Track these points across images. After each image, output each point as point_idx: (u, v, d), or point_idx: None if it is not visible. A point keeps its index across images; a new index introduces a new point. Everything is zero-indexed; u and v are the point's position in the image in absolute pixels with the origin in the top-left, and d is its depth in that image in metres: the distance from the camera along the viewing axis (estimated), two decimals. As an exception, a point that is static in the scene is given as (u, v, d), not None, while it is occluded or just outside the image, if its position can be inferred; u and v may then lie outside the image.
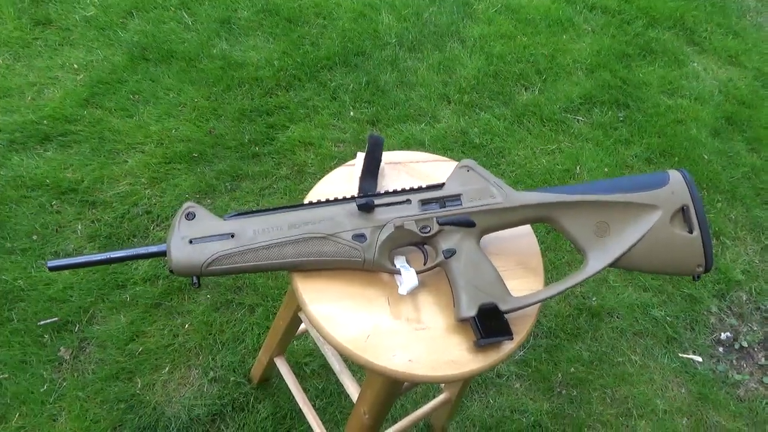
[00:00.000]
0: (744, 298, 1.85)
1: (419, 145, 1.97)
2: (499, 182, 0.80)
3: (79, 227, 1.63)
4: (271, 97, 2.01)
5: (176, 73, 2.00)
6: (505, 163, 2.00)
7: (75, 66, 1.96)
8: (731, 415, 1.60)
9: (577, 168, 2.01)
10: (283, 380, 1.44)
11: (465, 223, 0.77)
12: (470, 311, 0.75)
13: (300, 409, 1.42)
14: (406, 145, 1.97)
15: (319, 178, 1.82)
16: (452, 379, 0.75)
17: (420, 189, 0.80)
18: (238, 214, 0.78)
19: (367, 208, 0.77)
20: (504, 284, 0.78)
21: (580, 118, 2.18)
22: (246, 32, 2.16)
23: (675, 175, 0.80)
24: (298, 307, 1.03)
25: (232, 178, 1.80)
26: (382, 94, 2.09)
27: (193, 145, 1.83)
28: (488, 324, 0.75)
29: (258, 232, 0.76)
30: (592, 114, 2.20)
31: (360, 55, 2.18)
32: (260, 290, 1.59)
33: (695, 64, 2.46)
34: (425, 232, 0.78)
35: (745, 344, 1.76)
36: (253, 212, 0.78)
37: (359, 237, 0.76)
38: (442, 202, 0.79)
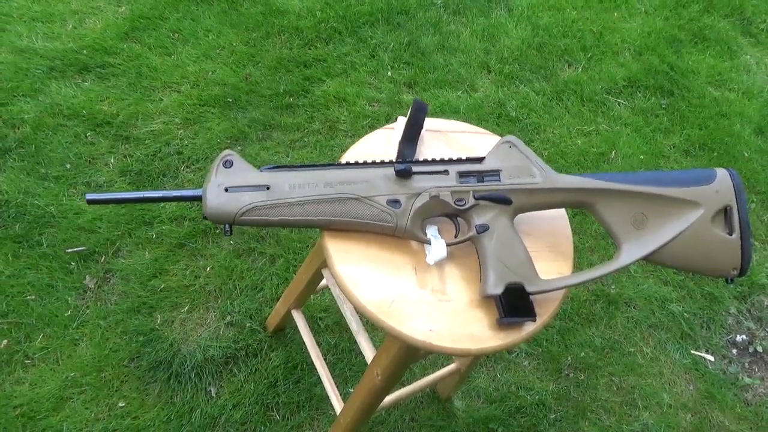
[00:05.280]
0: (765, 303, 1.83)
1: (454, 113, 1.94)
2: (540, 162, 0.79)
3: (112, 161, 1.65)
4: (309, 49, 1.98)
5: (217, 14, 1.98)
6: (539, 140, 1.96)
7: (119, -3, 1.95)
8: (736, 417, 1.60)
9: (612, 153, 1.97)
10: (297, 332, 1.48)
11: (501, 200, 0.76)
12: (497, 289, 0.75)
13: (311, 361, 1.45)
14: (441, 111, 1.94)
15: (350, 136, 1.84)
16: (470, 353, 0.75)
17: (459, 161, 0.79)
18: (275, 167, 0.78)
19: (404, 174, 0.76)
20: (533, 265, 0.77)
21: (622, 101, 2.12)
22: (290, -21, 2.12)
23: (722, 174, 0.78)
24: (323, 264, 1.04)
25: (264, 127, 1.79)
26: (422, 57, 2.05)
27: (228, 90, 1.83)
28: (513, 303, 0.75)
29: (293, 187, 0.76)
30: (635, 98, 2.14)
31: (403, 14, 2.13)
32: (282, 242, 1.60)
33: (748, 57, 2.36)
34: (460, 205, 0.77)
35: (759, 349, 1.75)
36: (290, 167, 0.78)
37: (394, 203, 0.76)
38: (480, 176, 0.78)
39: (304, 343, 1.45)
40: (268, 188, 0.76)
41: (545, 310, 0.79)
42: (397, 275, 0.78)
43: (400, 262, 0.80)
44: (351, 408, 1.05)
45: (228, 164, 0.77)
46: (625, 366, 1.63)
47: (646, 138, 2.03)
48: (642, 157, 1.99)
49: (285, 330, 1.49)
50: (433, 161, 0.79)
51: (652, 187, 0.77)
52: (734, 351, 1.74)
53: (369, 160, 0.79)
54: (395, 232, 0.77)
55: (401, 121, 0.89)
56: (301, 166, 0.78)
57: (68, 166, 1.62)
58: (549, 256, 0.83)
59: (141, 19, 1.90)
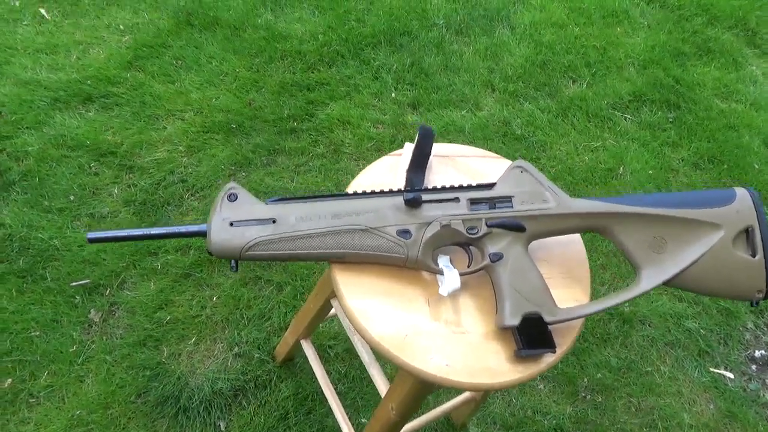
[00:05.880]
0: (783, 316, 1.79)
1: (459, 132, 1.93)
2: (553, 187, 0.76)
3: (116, 191, 1.64)
4: (312, 72, 1.98)
5: (220, 41, 1.98)
6: (546, 158, 1.94)
7: (121, 27, 1.95)
8: (760, 435, 1.55)
9: (621, 168, 1.95)
10: (307, 361, 1.44)
11: (515, 227, 0.74)
12: (513, 320, 0.72)
13: (322, 391, 1.42)
14: (446, 131, 1.93)
15: (355, 159, 1.82)
16: (488, 388, 0.72)
17: (470, 187, 0.77)
18: (281, 199, 0.76)
19: (414, 204, 0.74)
20: (550, 294, 0.74)
21: (628, 116, 2.11)
22: (292, 3, 2.13)
23: (741, 193, 0.75)
24: (331, 294, 1.02)
25: (269, 153, 1.78)
26: (426, 77, 2.04)
27: (232, 116, 1.82)
28: (531, 334, 0.72)
29: (300, 220, 0.74)
30: (641, 113, 2.12)
31: (406, 35, 2.13)
32: (289, 269, 1.58)
33: (754, 68, 2.34)
34: (472, 233, 0.74)
35: (780, 364, 1.70)
36: (295, 198, 0.76)
37: (404, 233, 0.74)
38: (492, 203, 0.75)
39: (314, 373, 1.42)
40: (274, 221, 0.74)
41: (564, 340, 0.76)
42: (410, 308, 0.76)
43: (412, 294, 0.77)
44: (364, 442, 1.02)
45: (233, 197, 0.75)
46: (643, 386, 1.59)
47: (654, 152, 2.01)
48: (650, 172, 1.97)
49: (294, 360, 1.46)
50: (443, 189, 0.77)
51: (670, 209, 0.74)
52: (754, 367, 1.70)
53: (377, 190, 0.77)
54: (406, 263, 0.75)
55: (408, 148, 0.87)
56: (308, 198, 0.76)
57: (72, 197, 1.61)
58: (564, 283, 0.81)
59: (144, 48, 1.91)
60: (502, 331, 0.75)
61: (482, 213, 0.75)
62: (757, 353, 1.72)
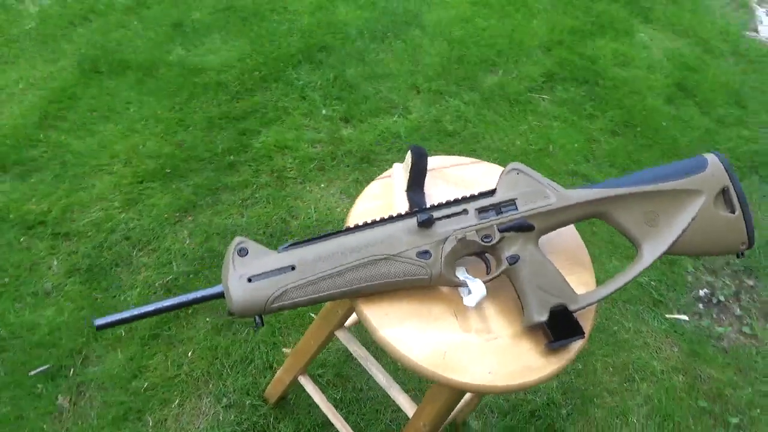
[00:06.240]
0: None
1: (396, 138, 1.95)
2: (549, 182, 0.80)
3: (55, 262, 1.52)
4: (238, 102, 1.93)
5: (133, 84, 1.88)
6: (481, 148, 2.01)
7: (20, 86, 1.80)
8: (720, 366, 1.69)
9: (550, 146, 2.05)
10: (300, 396, 1.42)
11: (525, 227, 0.76)
12: (542, 316, 0.75)
13: (321, 422, 1.40)
14: (383, 139, 1.95)
15: (301, 182, 1.80)
16: (531, 386, 0.75)
17: (473, 197, 0.78)
18: (292, 245, 0.74)
19: (427, 224, 0.75)
20: (568, 284, 0.78)
21: (545, 96, 2.22)
22: (202, 35, 2.06)
23: (712, 159, 0.82)
24: (336, 327, 1.00)
25: (211, 192, 1.72)
26: (351, 89, 2.04)
27: (164, 161, 1.74)
28: (559, 326, 0.75)
29: (319, 261, 0.73)
30: (555, 92, 2.24)
31: (323, 50, 2.12)
32: (261, 306, 1.53)
33: (642, 35, 2.55)
34: (487, 242, 0.76)
35: (722, 298, 1.87)
36: (306, 241, 0.75)
37: (423, 254, 0.74)
38: (498, 208, 0.78)
39: (311, 406, 1.39)
40: (293, 268, 0.72)
41: (586, 323, 0.80)
42: (440, 325, 0.77)
43: (438, 311, 0.78)
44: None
45: (243, 252, 0.72)
46: (615, 345, 1.69)
47: (575, 126, 2.14)
48: (576, 145, 2.09)
49: (287, 397, 1.42)
50: (449, 203, 0.78)
51: (656, 184, 0.80)
52: (701, 306, 1.85)
53: (381, 217, 0.77)
54: (431, 282, 0.75)
55: (398, 168, 0.87)
56: (319, 238, 0.75)
57: (7, 279, 1.47)
58: (570, 269, 0.84)
59: (53, 104, 1.78)
60: (530, 329, 0.77)
61: (492, 220, 0.77)
62: (701, 292, 1.88)
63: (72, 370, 1.37)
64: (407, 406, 0.97)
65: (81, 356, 1.39)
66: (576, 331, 0.76)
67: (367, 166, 1.87)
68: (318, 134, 1.91)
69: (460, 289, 0.78)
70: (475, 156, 1.95)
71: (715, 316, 1.83)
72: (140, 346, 1.43)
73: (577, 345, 0.78)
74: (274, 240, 1.66)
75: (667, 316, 1.78)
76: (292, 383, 1.28)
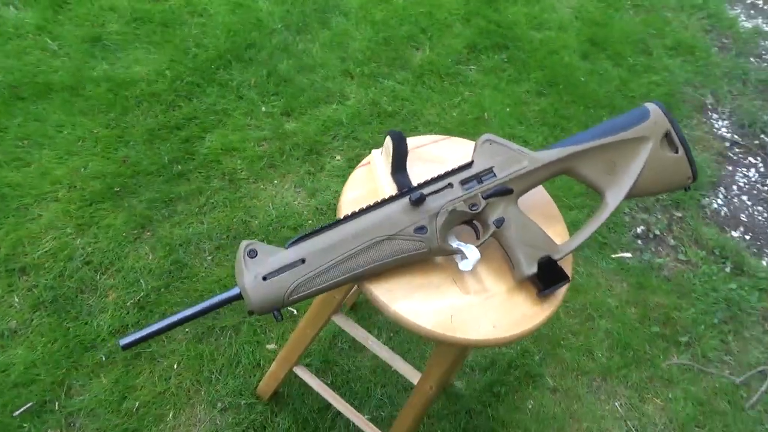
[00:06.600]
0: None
1: (339, 126, 1.98)
2: (519, 148, 0.87)
3: (16, 299, 1.47)
4: (175, 111, 1.89)
5: (60, 106, 1.81)
6: (422, 125, 2.08)
7: (-63, 123, 1.70)
8: (665, 293, 1.87)
9: (485, 114, 2.15)
10: (292, 387, 1.46)
11: (506, 191, 0.84)
12: (531, 269, 0.83)
13: (317, 408, 1.45)
14: (326, 128, 1.98)
15: (254, 181, 1.81)
16: (533, 331, 0.83)
17: (455, 171, 0.85)
18: (298, 239, 0.78)
19: (419, 201, 0.80)
20: (549, 236, 0.86)
21: (472, 66, 2.32)
22: (123, 47, 2.00)
23: (653, 108, 0.92)
24: (333, 312, 1.05)
25: (166, 204, 1.70)
26: (287, 83, 2.05)
27: (110, 180, 1.69)
28: (547, 275, 0.84)
29: (326, 251, 0.77)
30: (480, 61, 2.34)
31: (251, 48, 2.11)
32: (238, 308, 1.55)
33: (550, -3, 2.69)
34: (474, 210, 0.83)
35: (657, 232, 2.05)
36: (310, 234, 0.79)
37: (420, 229, 0.80)
38: (479, 178, 0.84)
39: (303, 395, 1.44)
40: (303, 261, 0.76)
41: (567, 269, 0.89)
42: (443, 292, 0.83)
43: (438, 280, 0.84)
44: (405, 424, 1.08)
45: (253, 253, 0.75)
46: (572, 290, 1.82)
47: (504, 92, 2.24)
48: (508, 110, 2.20)
49: (279, 392, 1.45)
50: (434, 180, 0.84)
51: (611, 136, 0.89)
52: (640, 242, 2.03)
53: (375, 202, 0.82)
54: (430, 254, 0.81)
55: (376, 154, 0.92)
56: (321, 230, 0.79)
57: (-33, 324, 1.41)
58: (545, 224, 0.93)
59: (-22, 138, 1.68)
60: (521, 282, 0.85)
61: (476, 189, 0.83)
62: (638, 230, 2.05)
63: (57, 403, 1.35)
64: (411, 374, 1.03)
65: (64, 388, 1.36)
66: (562, 276, 0.85)
67: (317, 156, 1.90)
68: (262, 132, 1.92)
69: (456, 256, 0.84)
70: (417, 132, 2.02)
71: (653, 249, 2.00)
72: (123, 367, 1.41)
73: (563, 288, 0.87)
74: (237, 242, 1.67)
75: (612, 256, 1.94)
76: (286, 376, 1.32)
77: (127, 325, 1.47)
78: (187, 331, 1.50)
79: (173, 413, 1.39)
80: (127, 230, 1.62)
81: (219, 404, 1.42)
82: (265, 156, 1.86)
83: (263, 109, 1.97)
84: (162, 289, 1.54)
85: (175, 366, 1.45)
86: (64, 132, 1.76)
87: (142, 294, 1.52)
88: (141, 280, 1.54)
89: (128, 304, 1.50)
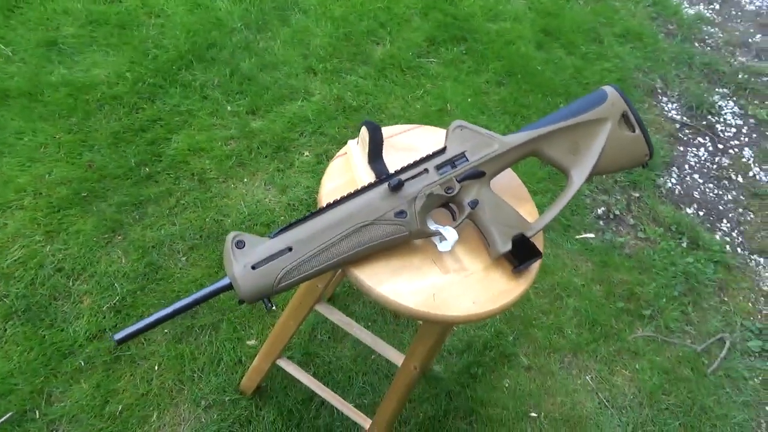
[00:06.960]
0: (603, 176, 2.23)
1: (306, 122, 2.00)
2: (489, 132, 0.91)
3: (-13, 310, 1.44)
4: (138, 113, 1.88)
5: (19, 112, 1.77)
6: (386, 118, 2.12)
7: None
8: (628, 270, 1.96)
9: (447, 105, 2.20)
10: (274, 382, 1.48)
11: (479, 174, 0.88)
12: (506, 246, 0.87)
13: (301, 399, 1.47)
14: (293, 125, 1.99)
15: (223, 181, 1.81)
16: (510, 305, 0.87)
17: (429, 157, 0.88)
18: (283, 230, 0.81)
19: (398, 187, 0.84)
20: (521, 215, 0.91)
21: (432, 59, 2.36)
22: (80, 50, 1.97)
23: (610, 90, 0.98)
24: (316, 301, 1.07)
25: (135, 207, 1.69)
26: (251, 82, 2.06)
27: (77, 185, 1.67)
28: (521, 252, 0.88)
29: (311, 239, 0.80)
30: (440, 54, 2.39)
31: (213, 47, 2.10)
32: (216, 306, 1.56)
33: (504, -11, 2.75)
34: (450, 193, 0.87)
35: (617, 212, 2.14)
36: (294, 223, 0.81)
37: (400, 213, 0.84)
38: (452, 163, 0.88)
39: (286, 388, 1.47)
40: (290, 249, 0.79)
41: (538, 245, 0.94)
42: (424, 272, 0.87)
43: (418, 261, 0.88)
44: (390, 405, 1.12)
45: (240, 244, 0.78)
46: (540, 271, 1.88)
47: (465, 84, 2.30)
48: (470, 100, 2.25)
49: (262, 386, 1.47)
50: (411, 166, 0.87)
51: (573, 118, 0.94)
52: (601, 222, 2.11)
53: (356, 190, 0.85)
54: (410, 237, 0.85)
55: (353, 145, 0.95)
56: (305, 219, 0.82)
57: (-64, 339, 1.38)
58: (516, 203, 0.98)
59: (-65, 149, 1.64)
60: (497, 259, 0.90)
61: (450, 173, 0.87)
62: (599, 211, 2.14)
63: (38, 411, 1.33)
64: (395, 356, 1.07)
65: (44, 396, 1.35)
66: (534, 253, 0.89)
67: (285, 153, 1.91)
68: (229, 131, 1.92)
69: (434, 238, 0.88)
70: (382, 125, 2.07)
71: (614, 228, 2.09)
72: (103, 371, 1.41)
73: (536, 264, 0.91)
74: (211, 241, 1.67)
75: (576, 237, 2.02)
76: (270, 369, 1.34)
77: (105, 329, 1.46)
78: (166, 332, 1.50)
79: (157, 414, 1.39)
80: (98, 235, 1.61)
81: (203, 402, 1.42)
82: (234, 155, 1.86)
83: (229, 108, 1.97)
84: (138, 292, 1.53)
85: (156, 367, 1.45)
86: (24, 139, 1.73)
87: (117, 298, 1.51)
88: (115, 284, 1.53)
89: (104, 308, 1.49)
